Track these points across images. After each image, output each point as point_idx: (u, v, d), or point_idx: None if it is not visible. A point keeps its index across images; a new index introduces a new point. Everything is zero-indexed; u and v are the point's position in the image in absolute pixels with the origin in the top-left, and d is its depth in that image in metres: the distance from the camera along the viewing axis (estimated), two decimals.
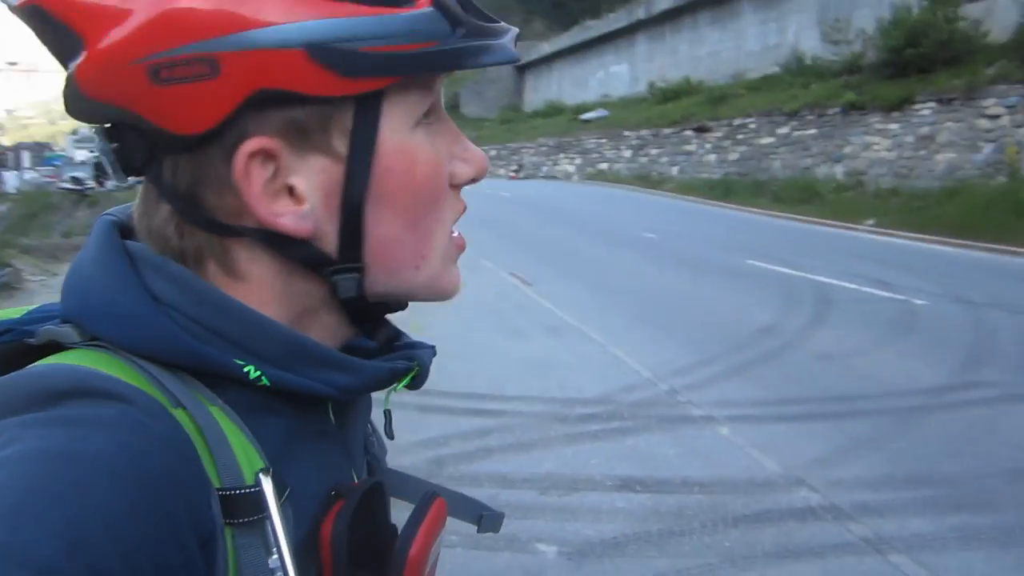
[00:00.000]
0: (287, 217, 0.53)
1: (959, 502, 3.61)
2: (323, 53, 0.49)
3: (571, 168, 34.75)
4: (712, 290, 8.83)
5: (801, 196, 17.14)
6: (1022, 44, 15.43)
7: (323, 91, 0.50)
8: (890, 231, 13.75)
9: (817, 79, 21.00)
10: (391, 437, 0.69)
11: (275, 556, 0.49)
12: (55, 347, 0.54)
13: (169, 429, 0.48)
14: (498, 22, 0.56)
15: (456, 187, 0.59)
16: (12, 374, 0.50)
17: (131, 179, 0.56)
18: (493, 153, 41.22)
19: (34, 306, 0.62)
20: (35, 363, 0.52)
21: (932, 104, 16.15)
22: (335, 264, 0.55)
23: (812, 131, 19.44)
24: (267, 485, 0.50)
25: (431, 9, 0.51)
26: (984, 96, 15.04)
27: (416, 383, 0.62)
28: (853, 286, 8.78)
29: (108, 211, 0.61)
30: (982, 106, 15.03)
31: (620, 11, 37.60)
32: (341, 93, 0.51)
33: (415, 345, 0.63)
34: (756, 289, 8.54)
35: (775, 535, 3.36)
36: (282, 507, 0.51)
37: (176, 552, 0.44)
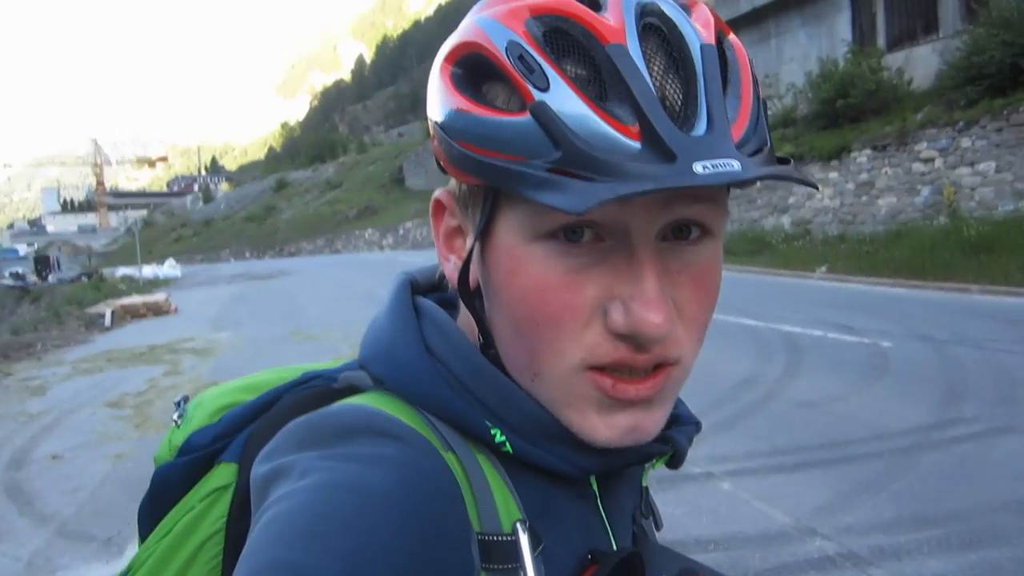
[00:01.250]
0: (450, 263, 0.61)
1: (972, 538, 3.65)
2: (439, 135, 0.55)
3: None
4: None
5: (752, 248, 17.53)
6: (944, 90, 16.21)
7: (448, 171, 0.56)
8: (842, 276, 14.10)
9: None
10: (646, 515, 0.70)
11: None
12: (352, 390, 0.62)
13: (440, 469, 0.52)
14: (672, 159, 0.47)
15: (615, 333, 0.52)
16: (317, 412, 0.56)
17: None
18: None
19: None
20: (336, 403, 0.59)
21: (868, 151, 16.78)
22: (480, 329, 0.60)
23: (756, 185, 19.98)
24: (523, 536, 0.53)
25: (528, 120, 0.49)
26: (916, 141, 15.69)
27: (673, 463, 0.64)
28: (819, 333, 8.96)
29: (407, 270, 0.70)
30: (915, 151, 15.67)
31: None
32: (455, 177, 0.56)
33: (681, 419, 0.65)
34: (726, 343, 8.66)
35: None
36: (535, 560, 0.53)
37: None
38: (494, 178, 0.51)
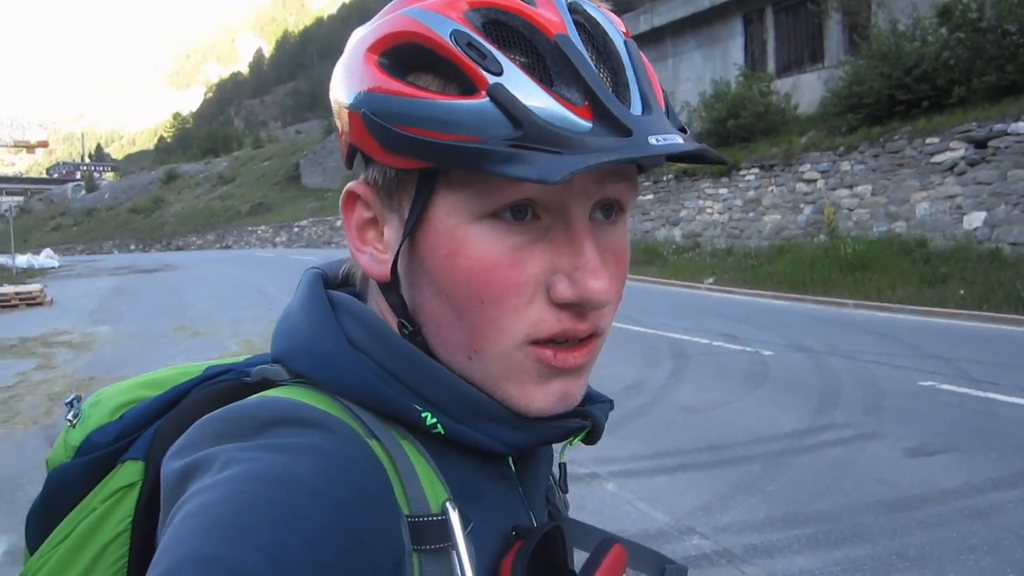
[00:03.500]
0: (365, 255, 0.61)
1: (837, 537, 3.84)
2: (370, 122, 0.54)
3: None
4: None
5: (645, 258, 17.97)
6: (827, 116, 17.05)
7: (378, 158, 0.56)
8: (729, 288, 14.62)
9: None
10: (565, 490, 0.73)
11: None
12: (267, 384, 0.60)
13: (365, 457, 0.52)
14: (628, 134, 0.50)
15: (559, 304, 0.55)
16: (232, 405, 0.55)
17: None
18: (338, 223, 40.82)
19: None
20: (251, 396, 0.57)
21: (756, 170, 17.47)
22: (401, 318, 0.60)
23: (650, 196, 20.53)
24: (454, 514, 0.53)
25: (486, 102, 0.50)
26: (800, 162, 16.44)
27: (591, 439, 0.65)
28: (705, 341, 9.26)
29: (315, 265, 0.68)
30: (799, 171, 16.42)
31: None
32: (391, 164, 0.55)
33: (593, 398, 0.66)
34: (616, 349, 8.84)
35: None
36: (466, 537, 0.53)
37: (369, 571, 0.47)
38: (448, 158, 0.51)
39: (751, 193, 17.60)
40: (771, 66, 20.79)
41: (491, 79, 0.50)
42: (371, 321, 0.60)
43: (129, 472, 0.63)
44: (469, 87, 0.51)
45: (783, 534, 3.91)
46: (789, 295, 13.19)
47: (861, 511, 4.13)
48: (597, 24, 0.55)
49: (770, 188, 17.14)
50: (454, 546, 0.52)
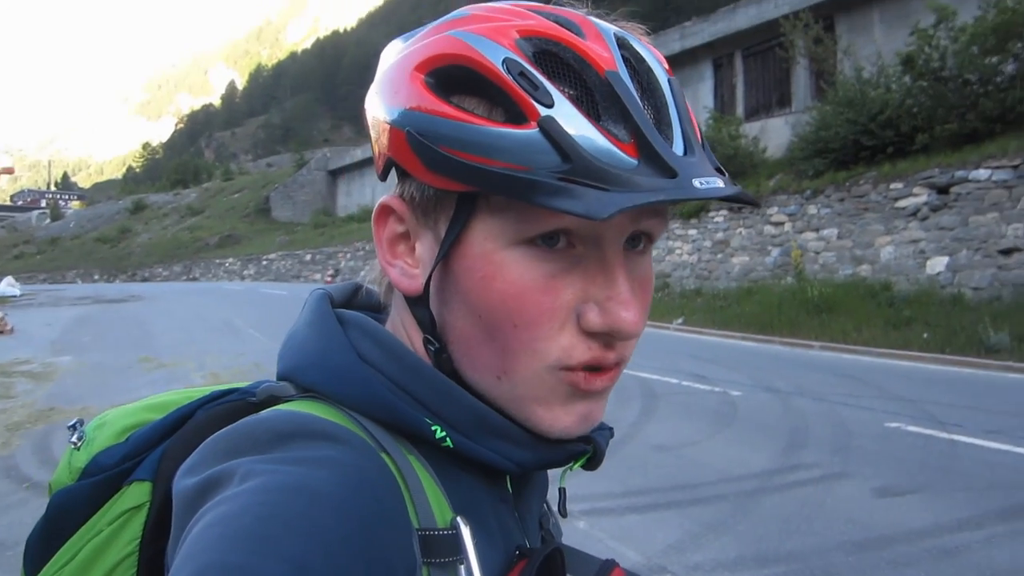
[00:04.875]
0: (395, 269, 0.61)
1: None
2: (415, 141, 0.55)
3: None
4: None
5: None
6: (795, 159, 17.40)
7: (420, 176, 0.56)
8: (697, 329, 14.73)
9: None
10: (564, 514, 0.73)
11: None
12: (273, 402, 0.61)
13: (380, 470, 0.52)
14: (674, 175, 0.51)
15: (589, 333, 0.56)
16: (246, 419, 0.55)
17: None
18: (308, 258, 40.63)
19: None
20: (261, 411, 0.57)
21: (725, 212, 17.73)
22: (428, 334, 0.60)
23: None
24: (466, 530, 0.53)
25: (536, 133, 0.51)
26: (768, 205, 16.72)
27: (592, 464, 0.66)
28: (675, 380, 9.30)
29: (320, 286, 0.69)
30: (768, 214, 16.69)
31: None
32: (433, 184, 0.56)
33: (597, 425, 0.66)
34: None
35: None
36: (476, 553, 0.54)
37: None
38: (492, 185, 0.52)
39: (720, 235, 17.84)
40: (740, 110, 21.24)
41: (543, 111, 0.51)
42: (382, 336, 0.61)
43: (136, 494, 0.63)
44: (518, 116, 0.52)
45: (753, 573, 3.91)
46: (757, 336, 13.32)
47: (831, 550, 4.14)
48: (643, 60, 0.56)
49: (739, 230, 17.38)
50: (463, 560, 0.52)
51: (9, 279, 34.83)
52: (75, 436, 0.69)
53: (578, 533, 4.53)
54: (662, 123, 0.54)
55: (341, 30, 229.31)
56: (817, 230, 15.59)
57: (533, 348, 0.56)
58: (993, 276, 12.21)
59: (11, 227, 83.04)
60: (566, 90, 0.53)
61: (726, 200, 0.54)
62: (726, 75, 22.18)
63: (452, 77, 0.54)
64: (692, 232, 18.60)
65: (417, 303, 0.60)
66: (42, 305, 26.46)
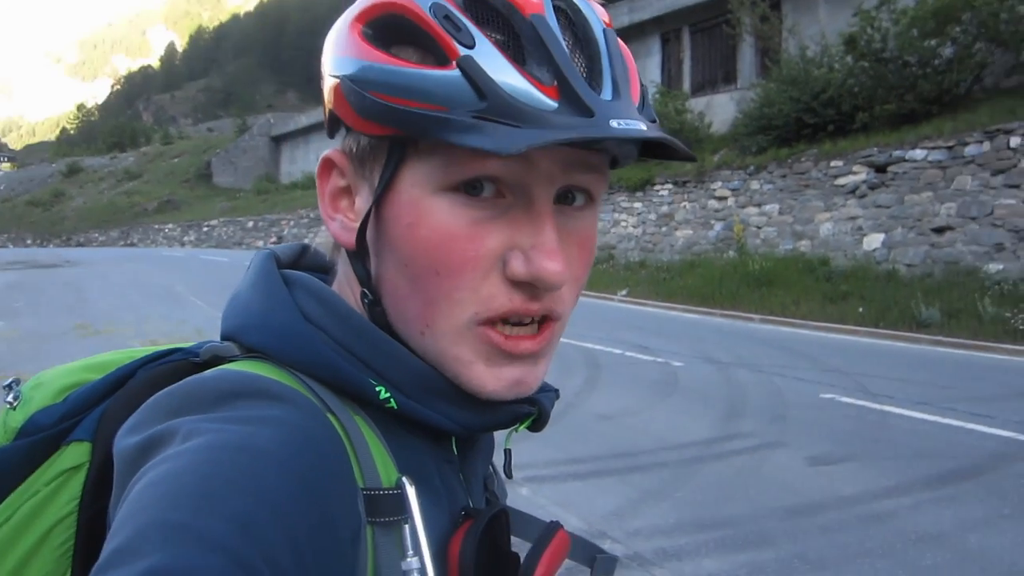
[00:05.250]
0: (335, 223, 0.61)
1: (743, 541, 3.96)
2: (348, 88, 0.55)
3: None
4: None
5: None
6: (739, 135, 17.61)
7: (353, 124, 0.57)
8: (641, 300, 14.92)
9: None
10: (509, 476, 0.73)
11: (409, 558, 0.52)
12: (217, 362, 0.60)
13: (326, 429, 0.52)
14: (591, 115, 0.51)
15: (515, 282, 0.55)
16: (189, 378, 0.55)
17: None
18: (250, 224, 39.93)
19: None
20: (206, 370, 0.56)
21: (669, 186, 17.91)
22: (364, 287, 0.60)
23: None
24: (411, 490, 0.53)
25: (456, 73, 0.51)
26: (712, 180, 16.94)
27: (537, 426, 0.66)
28: (618, 351, 9.42)
29: (267, 246, 0.69)
30: (711, 188, 16.90)
31: None
32: (364, 131, 0.56)
33: (541, 388, 0.66)
34: None
35: None
36: (421, 512, 0.54)
37: (331, 539, 0.48)
38: (414, 126, 0.52)
39: (664, 208, 18.02)
40: (686, 85, 21.38)
41: (463, 51, 0.51)
42: (327, 296, 0.60)
43: (75, 454, 0.61)
44: (443, 58, 0.52)
45: (691, 538, 4.01)
46: (699, 308, 13.53)
47: (765, 516, 4.27)
48: (578, 10, 0.56)
49: (683, 204, 17.58)
50: (408, 519, 0.52)
51: None
52: (11, 396, 0.67)
53: (521, 499, 4.57)
54: (593, 71, 0.54)
55: None
56: (759, 205, 15.85)
57: (454, 297, 0.55)
58: (926, 253, 12.59)
59: None
60: (492, 35, 0.53)
61: (653, 150, 0.55)
62: (673, 50, 22.27)
63: (389, 27, 0.55)
64: (637, 205, 18.75)
65: (355, 256, 0.60)
66: None
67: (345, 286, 0.63)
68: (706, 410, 6.59)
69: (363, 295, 0.60)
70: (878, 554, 3.80)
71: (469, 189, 0.54)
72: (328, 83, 0.58)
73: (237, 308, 0.62)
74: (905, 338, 10.36)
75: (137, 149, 76.85)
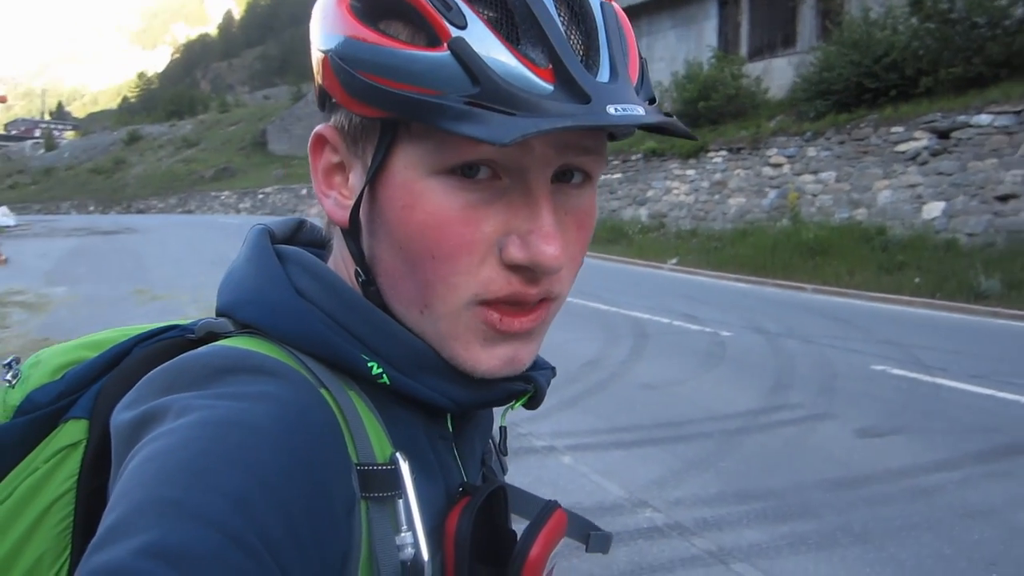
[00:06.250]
0: (329, 200, 0.61)
1: (785, 512, 3.93)
2: (337, 66, 0.54)
3: None
4: None
5: (610, 237, 18.05)
6: (796, 101, 17.19)
7: (343, 103, 0.55)
8: (691, 269, 14.75)
9: None
10: (505, 453, 0.73)
11: (403, 533, 0.52)
12: (212, 339, 0.60)
13: (319, 404, 0.52)
14: (587, 101, 0.50)
15: (511, 266, 0.55)
16: (183, 355, 0.55)
17: None
18: (304, 192, 40.40)
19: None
20: (200, 347, 0.57)
21: (724, 152, 17.57)
22: (358, 266, 0.60)
23: (618, 175, 20.57)
24: (404, 465, 0.54)
25: (447, 55, 0.50)
26: (768, 147, 16.57)
27: (533, 403, 0.65)
28: (666, 320, 9.35)
29: (261, 222, 0.68)
30: (766, 155, 16.55)
31: None
32: (354, 110, 0.55)
33: (537, 364, 0.66)
34: (578, 325, 8.89)
35: (628, 554, 3.51)
36: (415, 488, 0.54)
37: (326, 514, 0.48)
38: (405, 110, 0.51)
39: (718, 175, 17.72)
40: (744, 49, 20.86)
41: (454, 32, 0.50)
42: (321, 271, 0.60)
43: (73, 431, 0.62)
44: (433, 39, 0.50)
45: (733, 509, 3.99)
46: (750, 278, 13.34)
47: (809, 488, 4.23)
48: None
49: (737, 171, 17.26)
50: (401, 494, 0.52)
51: (3, 209, 34.66)
52: (10, 374, 0.68)
53: (563, 467, 4.60)
54: (590, 49, 0.52)
55: None
56: (815, 172, 15.48)
57: (451, 281, 0.55)
58: (988, 222, 12.19)
59: (5, 157, 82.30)
60: (485, 12, 0.51)
61: (653, 130, 0.52)
62: (731, 13, 21.73)
63: (378, 1, 0.53)
64: (690, 172, 18.47)
65: (349, 234, 0.59)
66: (36, 236, 26.40)
67: (340, 262, 0.62)
68: (753, 381, 6.52)
69: (356, 273, 0.59)
70: (924, 527, 3.74)
71: (465, 171, 0.53)
72: (316, 56, 0.57)
73: (232, 284, 0.62)
74: (962, 309, 10.09)
75: (195, 117, 78.22)
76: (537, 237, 0.53)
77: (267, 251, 0.62)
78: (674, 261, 15.41)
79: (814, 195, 15.40)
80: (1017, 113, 12.23)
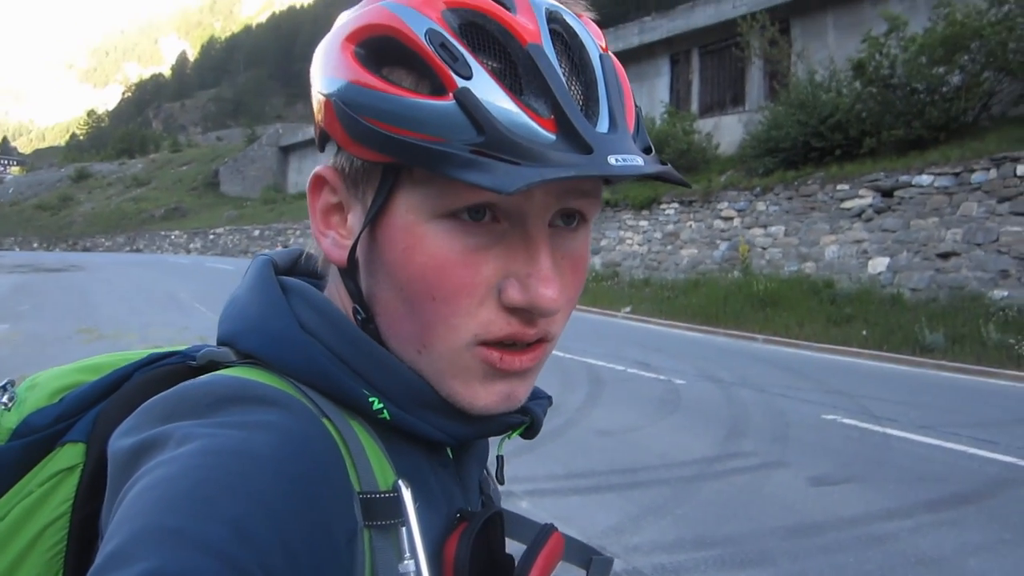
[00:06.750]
0: (327, 239, 0.61)
1: (743, 559, 3.95)
2: (340, 111, 0.55)
3: None
4: None
5: None
6: (746, 157, 17.67)
7: (345, 146, 0.56)
8: (644, 318, 14.90)
9: None
10: (502, 482, 0.74)
11: (406, 562, 0.52)
12: (213, 367, 0.61)
13: (321, 434, 0.53)
14: (589, 151, 0.51)
15: (510, 308, 0.56)
16: (184, 383, 0.55)
17: None
18: (256, 233, 40.02)
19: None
20: (202, 375, 0.57)
21: (676, 205, 17.93)
22: (356, 303, 0.60)
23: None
24: (407, 492, 0.54)
25: (452, 105, 0.51)
26: (719, 200, 16.96)
27: (529, 434, 0.67)
28: (621, 367, 9.42)
29: (264, 252, 0.68)
30: (717, 208, 16.93)
31: None
32: (356, 154, 0.56)
33: (533, 395, 0.67)
34: None
35: None
36: (417, 515, 0.54)
37: (326, 543, 0.48)
38: (410, 156, 0.52)
39: (670, 227, 18.05)
40: (695, 106, 21.46)
41: (460, 83, 0.51)
42: (323, 306, 0.61)
43: (69, 455, 0.61)
44: (439, 88, 0.51)
45: (691, 555, 4.00)
46: (702, 327, 13.52)
47: (765, 535, 4.26)
48: (575, 35, 0.55)
49: (689, 223, 17.60)
50: (404, 522, 0.53)
51: None
52: (5, 397, 0.67)
53: (520, 512, 4.56)
54: (589, 99, 0.54)
55: (297, 5, 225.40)
56: (765, 226, 15.87)
57: (451, 323, 0.55)
58: (931, 278, 12.58)
59: None
60: (489, 63, 0.52)
61: (651, 179, 0.54)
62: (683, 71, 22.38)
63: (382, 49, 0.54)
64: (643, 223, 18.79)
65: (346, 273, 0.60)
66: None
67: (336, 297, 0.63)
68: (708, 428, 6.58)
69: (355, 311, 0.60)
70: (878, 575, 3.79)
71: (464, 215, 0.54)
72: (318, 99, 0.58)
73: (234, 313, 0.62)
74: (909, 362, 10.34)
75: (146, 156, 77.24)
76: (536, 280, 0.54)
77: (271, 282, 0.62)
78: (628, 309, 15.56)
79: (764, 248, 15.76)
80: (956, 175, 12.74)
